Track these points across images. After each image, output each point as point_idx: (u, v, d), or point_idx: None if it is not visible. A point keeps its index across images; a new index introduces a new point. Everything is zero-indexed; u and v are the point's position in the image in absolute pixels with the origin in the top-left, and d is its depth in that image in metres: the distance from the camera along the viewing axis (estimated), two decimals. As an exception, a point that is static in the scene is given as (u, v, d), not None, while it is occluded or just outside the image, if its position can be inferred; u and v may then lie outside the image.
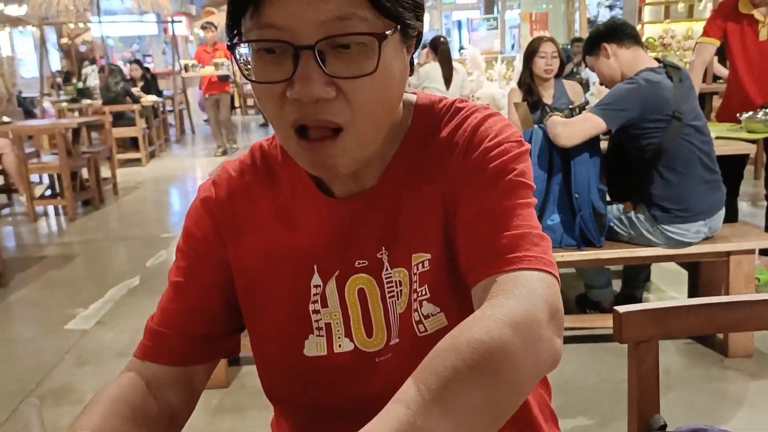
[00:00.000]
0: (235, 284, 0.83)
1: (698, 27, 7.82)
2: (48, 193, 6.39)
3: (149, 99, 9.26)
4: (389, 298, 0.78)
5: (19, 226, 5.80)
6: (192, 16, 18.20)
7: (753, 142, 3.21)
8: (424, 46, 6.12)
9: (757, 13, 3.52)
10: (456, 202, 0.75)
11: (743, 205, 4.61)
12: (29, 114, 8.94)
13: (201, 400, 2.80)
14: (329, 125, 0.67)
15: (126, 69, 9.83)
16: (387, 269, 0.78)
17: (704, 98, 5.87)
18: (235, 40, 0.69)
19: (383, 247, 0.78)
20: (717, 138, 3.12)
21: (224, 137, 9.20)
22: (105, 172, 6.87)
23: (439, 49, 5.76)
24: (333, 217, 0.80)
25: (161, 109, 10.07)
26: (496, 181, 0.72)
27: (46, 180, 6.83)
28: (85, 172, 6.27)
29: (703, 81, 5.92)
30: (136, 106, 8.46)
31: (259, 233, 0.82)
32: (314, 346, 0.79)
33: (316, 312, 0.79)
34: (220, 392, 2.70)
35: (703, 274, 2.98)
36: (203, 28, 9.87)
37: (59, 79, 12.24)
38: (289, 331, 0.80)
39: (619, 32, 2.70)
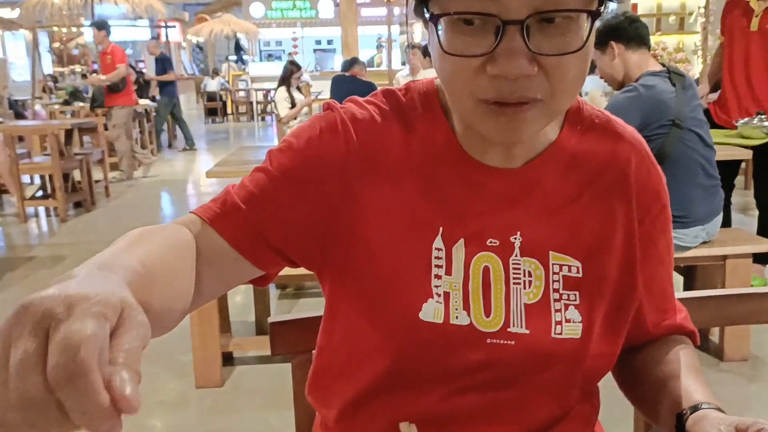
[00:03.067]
0: (342, 225, 0.77)
1: (689, 40, 7.90)
2: (39, 194, 6.34)
3: (142, 103, 9.22)
4: (513, 283, 0.77)
5: (9, 227, 5.74)
6: (185, 23, 18.21)
7: (750, 148, 3.22)
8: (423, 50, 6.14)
9: (754, 3, 3.50)
10: (646, 244, 0.81)
11: (736, 215, 4.64)
12: (20, 117, 8.88)
13: (195, 399, 2.79)
14: (526, 100, 0.65)
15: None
16: (516, 255, 0.77)
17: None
18: (433, 10, 0.65)
19: (518, 232, 0.77)
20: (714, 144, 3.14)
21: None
22: (97, 174, 6.83)
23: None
24: (475, 185, 0.77)
25: (154, 113, 10.04)
26: (669, 249, 0.85)
27: (37, 181, 6.78)
28: (77, 174, 6.22)
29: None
30: (129, 110, 8.40)
31: (390, 178, 0.77)
32: (432, 312, 0.75)
33: (438, 277, 0.76)
34: (215, 392, 2.67)
35: (698, 278, 2.99)
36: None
37: (51, 83, 12.19)
38: (408, 291, 0.75)
39: (630, 33, 2.66)
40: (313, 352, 1.03)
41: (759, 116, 3.32)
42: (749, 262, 2.72)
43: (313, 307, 3.56)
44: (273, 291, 3.71)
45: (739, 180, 5.15)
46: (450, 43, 0.65)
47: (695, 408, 0.72)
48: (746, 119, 3.38)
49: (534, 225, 0.77)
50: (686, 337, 0.88)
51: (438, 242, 0.76)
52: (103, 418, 0.38)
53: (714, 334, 2.81)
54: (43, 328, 0.40)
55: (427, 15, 0.66)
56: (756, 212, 3.66)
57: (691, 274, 3.03)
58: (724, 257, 2.68)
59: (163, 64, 10.40)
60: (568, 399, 0.81)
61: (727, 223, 3.51)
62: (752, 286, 3.09)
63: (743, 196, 5.39)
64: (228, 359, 2.87)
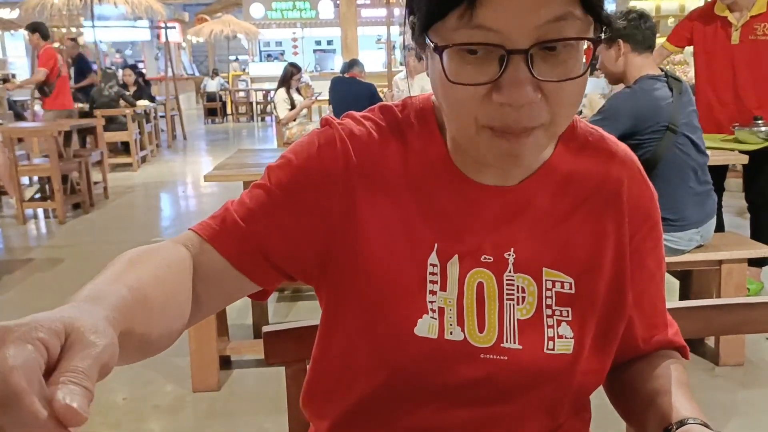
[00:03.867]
0: (341, 240, 0.77)
1: (689, 42, 7.91)
2: (38, 195, 6.35)
3: (142, 104, 9.24)
4: (507, 299, 0.78)
5: (8, 229, 5.75)
6: (185, 23, 18.22)
7: (746, 153, 3.23)
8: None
9: (731, 17, 3.52)
10: (637, 261, 0.82)
11: (733, 218, 4.64)
12: (20, 117, 8.89)
13: (191, 403, 2.78)
14: (529, 127, 0.66)
15: (119, 74, 9.81)
16: (510, 271, 0.78)
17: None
18: (435, 42, 0.66)
19: (512, 249, 0.78)
20: (709, 149, 3.15)
21: None
22: (96, 176, 6.83)
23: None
24: (470, 203, 0.78)
25: (153, 114, 10.05)
26: (659, 266, 0.86)
27: (36, 182, 6.78)
28: (75, 176, 6.23)
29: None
30: (128, 111, 8.43)
31: (386, 194, 0.78)
32: (426, 327, 0.76)
33: (433, 293, 0.76)
34: (212, 396, 2.68)
35: (694, 283, 3.00)
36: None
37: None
38: (403, 306, 0.76)
39: (640, 36, 2.64)
40: (308, 362, 1.04)
41: (755, 121, 3.33)
42: (744, 266, 2.73)
43: (310, 310, 3.57)
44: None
45: (737, 183, 5.16)
46: (455, 73, 0.65)
47: (681, 423, 0.73)
48: (743, 125, 3.39)
49: (528, 242, 0.78)
50: (676, 352, 0.88)
51: (433, 258, 0.77)
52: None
53: (709, 339, 2.82)
54: None
55: (431, 44, 0.67)
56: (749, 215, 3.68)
57: (687, 279, 3.04)
58: (720, 262, 2.69)
59: (80, 66, 9.53)
60: (560, 413, 0.82)
61: (719, 227, 3.51)
62: (748, 289, 3.10)
63: (740, 199, 5.39)
64: (225, 363, 2.87)
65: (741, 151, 3.22)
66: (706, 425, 0.73)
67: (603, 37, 0.68)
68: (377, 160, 0.78)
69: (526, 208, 0.79)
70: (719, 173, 3.50)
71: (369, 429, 0.81)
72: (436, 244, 0.77)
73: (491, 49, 0.64)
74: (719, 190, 3.57)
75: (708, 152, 2.74)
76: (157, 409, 2.61)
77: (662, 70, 2.68)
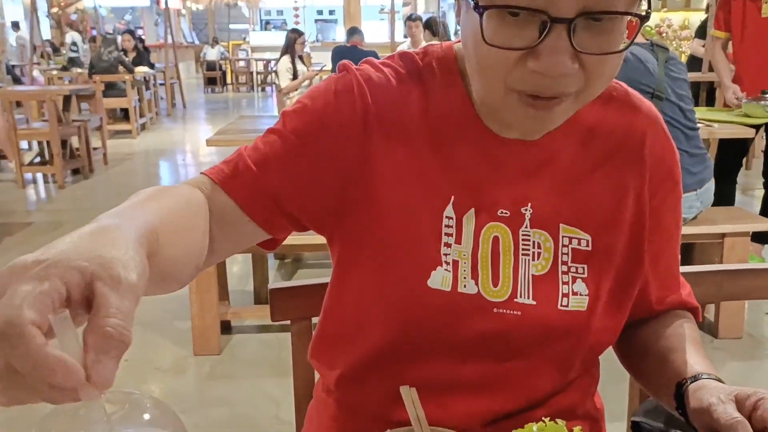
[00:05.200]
0: (356, 189, 0.76)
1: (695, 17, 7.84)
2: (37, 160, 6.32)
3: (141, 70, 9.16)
4: (522, 254, 0.77)
5: (7, 193, 5.73)
6: (185, -10, 17.99)
7: (755, 127, 3.21)
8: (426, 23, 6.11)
9: None
10: (656, 220, 0.81)
11: (737, 195, 4.64)
12: (18, 82, 8.83)
13: (193, 366, 2.79)
14: (562, 96, 0.65)
15: (119, 40, 9.71)
16: (527, 226, 0.77)
17: (699, 86, 5.88)
18: (476, 0, 0.63)
19: (529, 204, 0.77)
20: (717, 122, 3.14)
21: None
22: (95, 142, 6.80)
23: (436, 29, 5.75)
24: (490, 156, 0.77)
25: (153, 81, 9.97)
26: (677, 226, 0.85)
27: (35, 147, 6.75)
28: (75, 141, 6.20)
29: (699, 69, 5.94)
30: (128, 77, 8.36)
31: (404, 143, 0.76)
32: (440, 280, 0.74)
33: (448, 245, 0.75)
34: (213, 359, 2.69)
35: (696, 256, 3.00)
36: None
37: (49, 49, 12.08)
38: (417, 258, 0.75)
39: None
40: (313, 319, 1.03)
41: (764, 94, 3.31)
42: (747, 240, 2.73)
43: (311, 277, 3.55)
44: (271, 261, 3.73)
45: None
46: (492, 34, 0.63)
47: (695, 378, 0.73)
48: (750, 98, 3.37)
49: (546, 197, 0.77)
50: (689, 312, 0.88)
51: (449, 211, 0.76)
52: (54, 365, 0.38)
53: (709, 312, 2.83)
54: None
55: (471, 2, 0.64)
56: (756, 192, 3.67)
57: (689, 252, 3.04)
58: (723, 235, 2.69)
59: None
60: (570, 371, 0.81)
61: (730, 202, 3.51)
62: (749, 265, 3.11)
63: (744, 176, 5.39)
64: (226, 328, 2.88)
65: (749, 125, 3.20)
66: (719, 380, 0.73)
67: (650, 11, 0.65)
68: (396, 108, 0.77)
69: (547, 163, 0.77)
70: (740, 148, 3.49)
71: (379, 380, 0.81)
72: (452, 197, 0.76)
73: (533, 14, 0.61)
74: (737, 164, 3.58)
75: (699, 124, 2.73)
76: (159, 371, 2.62)
77: (647, 39, 2.66)
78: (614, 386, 1.15)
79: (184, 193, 0.71)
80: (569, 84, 0.64)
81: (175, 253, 0.60)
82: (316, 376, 0.99)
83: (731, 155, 3.51)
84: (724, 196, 3.37)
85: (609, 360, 0.90)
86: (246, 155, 0.76)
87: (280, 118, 0.78)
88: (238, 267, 3.67)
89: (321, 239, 0.83)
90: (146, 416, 0.43)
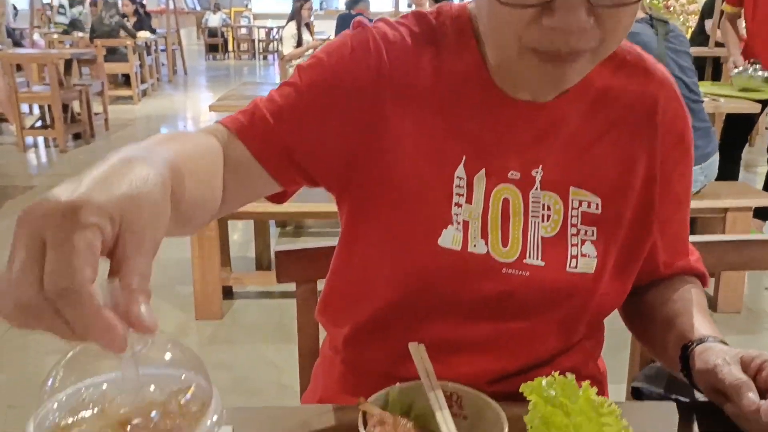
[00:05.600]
0: (368, 146, 0.76)
1: (703, -9, 7.74)
2: (38, 124, 6.29)
3: (142, 35, 9.07)
4: (532, 216, 0.77)
5: (8, 156, 5.72)
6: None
7: (761, 103, 3.19)
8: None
9: None
10: (666, 185, 0.81)
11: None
12: (18, 46, 8.74)
13: (195, 331, 2.79)
14: (576, 52, 0.64)
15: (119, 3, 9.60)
16: (537, 188, 0.77)
17: (705, 61, 5.83)
18: None
19: (540, 166, 0.77)
20: (723, 96, 3.12)
21: None
22: (96, 107, 6.76)
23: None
24: (502, 118, 0.76)
25: (154, 47, 9.88)
26: (687, 192, 0.85)
27: (36, 111, 6.72)
28: (76, 106, 6.16)
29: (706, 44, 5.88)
30: (129, 41, 8.28)
31: (417, 103, 0.76)
32: (450, 239, 0.75)
33: (459, 205, 0.76)
34: (214, 324, 2.71)
35: (698, 231, 3.00)
36: None
37: (49, 13, 11.94)
38: (428, 217, 0.75)
39: None
40: (319, 281, 1.04)
41: (753, 66, 3.28)
42: (749, 215, 2.73)
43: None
44: (273, 229, 3.73)
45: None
46: None
47: (701, 341, 0.73)
48: (740, 69, 3.34)
49: (557, 160, 0.77)
50: (696, 278, 0.88)
51: (460, 171, 0.76)
52: (103, 331, 0.39)
53: (709, 286, 2.84)
54: (39, 237, 0.40)
55: None
56: (759, 168, 3.67)
57: (691, 226, 3.04)
58: (725, 210, 2.70)
59: None
60: (575, 333, 0.82)
61: (734, 177, 3.51)
62: (750, 240, 3.11)
63: (748, 152, 5.37)
64: (228, 293, 2.90)
65: (755, 100, 3.18)
66: (724, 343, 0.73)
67: None
68: (410, 68, 0.76)
69: (559, 126, 0.77)
70: (746, 124, 3.47)
71: (386, 338, 0.82)
72: (464, 157, 0.76)
73: None
74: (743, 140, 3.57)
75: (705, 98, 2.72)
76: (161, 335, 2.64)
77: (646, 13, 2.63)
78: (615, 353, 1.16)
79: (202, 139, 0.71)
80: (586, 40, 0.63)
81: (194, 196, 0.60)
82: (321, 336, 1.00)
83: (737, 131, 3.50)
84: (728, 172, 3.36)
85: (610, 329, 0.91)
86: (262, 106, 0.76)
87: (295, 71, 0.78)
88: (240, 234, 3.68)
89: (323, 207, 0.84)
90: (168, 356, 0.43)
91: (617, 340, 1.00)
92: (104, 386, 0.42)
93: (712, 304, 2.79)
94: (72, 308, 0.38)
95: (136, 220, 0.43)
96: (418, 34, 0.78)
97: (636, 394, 0.92)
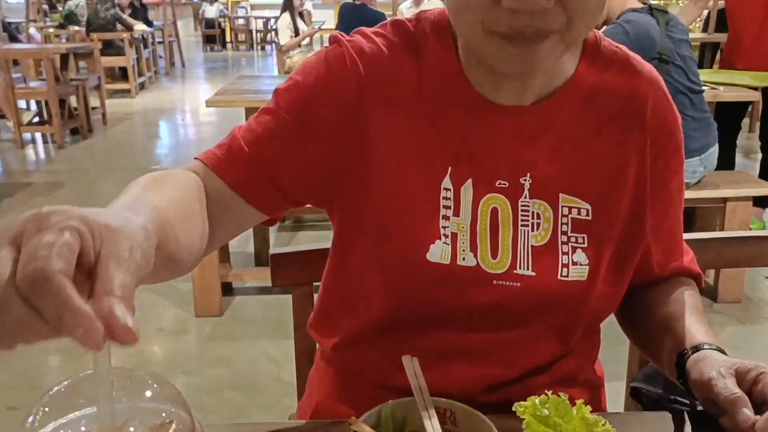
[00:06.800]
0: (353, 161, 0.75)
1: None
2: (36, 120, 6.27)
3: (139, 28, 9.02)
4: (521, 225, 0.76)
5: (6, 153, 5.71)
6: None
7: (756, 88, 3.17)
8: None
9: None
10: (658, 185, 0.80)
11: (739, 159, 4.62)
12: (14, 40, 8.70)
13: (194, 327, 2.80)
14: (541, 33, 0.63)
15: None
16: (526, 197, 0.76)
17: (705, 47, 5.80)
18: None
19: (528, 174, 0.76)
20: (720, 84, 3.10)
21: None
22: (94, 102, 6.73)
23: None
24: (486, 124, 0.75)
25: (151, 39, 9.83)
26: (680, 191, 0.84)
27: (33, 107, 6.70)
28: (73, 101, 6.14)
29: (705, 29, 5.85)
30: (125, 35, 8.24)
31: (399, 114, 0.75)
32: (439, 253, 0.74)
33: (446, 218, 0.75)
34: (214, 320, 2.71)
35: (697, 220, 3.00)
36: None
37: (45, 6, 11.89)
38: (415, 232, 0.74)
39: None
40: (314, 284, 1.03)
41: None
42: (749, 204, 2.72)
43: (311, 240, 3.58)
44: (272, 223, 3.72)
45: (744, 122, 5.11)
46: None
47: (697, 348, 0.73)
48: None
49: (545, 166, 0.76)
50: (691, 279, 0.87)
51: (446, 182, 0.75)
52: (77, 321, 0.37)
53: (709, 276, 2.84)
54: (18, 234, 0.40)
55: None
56: (757, 156, 3.65)
57: (690, 217, 3.03)
58: (724, 200, 2.68)
59: None
60: (571, 339, 0.81)
61: (730, 165, 3.49)
62: (751, 229, 3.10)
63: (746, 139, 5.36)
64: (227, 289, 2.90)
65: (752, 87, 3.16)
66: (721, 351, 0.73)
67: None
68: (389, 78, 0.75)
69: (545, 129, 0.76)
70: (739, 111, 3.45)
71: (378, 348, 0.81)
72: (449, 168, 0.75)
73: None
74: (736, 128, 3.55)
75: (705, 87, 2.69)
76: (162, 332, 2.64)
77: (645, 3, 2.60)
78: (612, 349, 1.15)
79: (181, 179, 0.70)
80: (549, 21, 0.62)
81: (179, 240, 0.60)
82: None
83: (730, 118, 3.48)
84: (725, 160, 3.35)
85: (608, 328, 0.90)
86: (239, 137, 0.76)
87: (273, 96, 0.77)
88: (239, 229, 3.67)
89: None
90: (148, 393, 0.42)
91: (616, 338, 0.99)
92: (82, 423, 0.41)
93: (712, 295, 2.78)
94: (43, 296, 0.37)
95: (116, 242, 0.42)
96: (397, 43, 0.77)
97: (635, 394, 0.92)
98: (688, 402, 0.78)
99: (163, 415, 0.42)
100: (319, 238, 0.91)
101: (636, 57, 0.81)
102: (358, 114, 0.74)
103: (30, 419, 0.40)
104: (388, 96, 0.75)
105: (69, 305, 0.37)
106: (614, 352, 1.17)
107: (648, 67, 0.81)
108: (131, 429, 0.40)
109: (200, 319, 2.72)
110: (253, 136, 0.75)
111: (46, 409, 0.41)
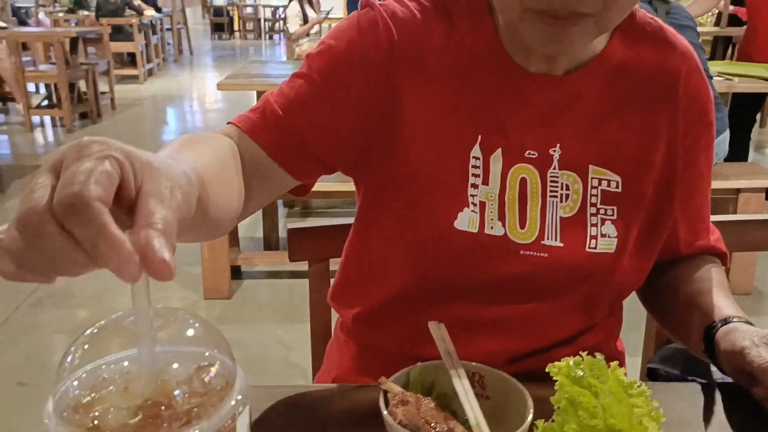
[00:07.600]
0: (383, 129, 0.75)
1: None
2: (45, 103, 6.28)
3: (148, 14, 9.01)
4: (550, 196, 0.75)
5: (16, 135, 5.71)
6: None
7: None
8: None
9: None
10: (688, 160, 0.79)
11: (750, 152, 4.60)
12: (24, 25, 8.70)
13: (203, 310, 2.79)
14: (576, 15, 0.63)
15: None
16: (555, 168, 0.75)
17: (718, 40, 5.76)
18: None
19: (558, 145, 0.75)
20: (736, 75, 3.07)
21: None
22: (102, 86, 6.73)
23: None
24: (517, 93, 0.75)
25: (160, 26, 9.82)
26: (708, 169, 0.83)
27: (43, 90, 6.70)
28: (82, 85, 6.14)
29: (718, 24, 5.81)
30: (134, 20, 8.23)
31: (430, 80, 0.74)
32: (467, 221, 0.74)
33: (475, 186, 0.74)
34: (223, 303, 2.72)
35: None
36: None
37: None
38: (444, 200, 0.74)
39: None
40: (331, 260, 1.03)
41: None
42: (762, 196, 2.71)
43: (320, 225, 3.57)
44: (281, 209, 3.72)
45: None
46: None
47: (726, 321, 0.72)
48: None
49: (575, 138, 0.75)
50: (717, 258, 0.87)
51: (476, 151, 0.74)
52: (113, 250, 0.36)
53: (729, 265, 2.82)
54: (59, 162, 0.39)
55: None
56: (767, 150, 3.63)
57: (703, 207, 3.02)
58: (737, 191, 2.67)
59: None
60: (596, 312, 0.81)
61: (744, 157, 3.48)
62: (762, 221, 3.09)
63: (759, 134, 5.33)
64: (236, 273, 2.90)
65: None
66: (749, 323, 0.72)
67: None
68: (421, 44, 0.74)
69: (575, 101, 0.75)
70: (755, 103, 3.43)
71: (401, 320, 0.81)
72: (479, 137, 0.74)
73: None
74: (752, 120, 3.53)
75: (720, 77, 2.68)
76: (183, 311, 2.64)
77: None
78: (629, 334, 1.15)
79: (216, 142, 0.69)
80: (585, 3, 0.62)
81: (218, 199, 0.59)
82: (334, 315, 0.99)
83: (744, 109, 3.46)
84: (738, 151, 3.33)
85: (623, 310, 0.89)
86: (272, 101, 0.75)
87: (305, 60, 0.77)
88: (248, 214, 3.67)
89: (330, 187, 0.83)
90: (191, 332, 0.42)
91: (630, 321, 0.99)
92: (125, 363, 0.40)
93: (723, 286, 2.77)
94: (79, 222, 0.36)
95: (158, 181, 0.41)
96: (429, 8, 0.76)
97: (651, 375, 0.91)
98: (706, 382, 0.78)
99: (206, 354, 0.42)
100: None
101: (670, 29, 0.80)
102: (389, 78, 0.74)
103: (68, 359, 0.40)
104: (420, 61, 0.74)
105: (104, 233, 0.36)
106: (629, 336, 1.17)
107: (682, 40, 0.80)
108: (174, 366, 0.40)
109: (209, 302, 2.72)
110: (285, 100, 0.74)
111: (86, 346, 0.40)
